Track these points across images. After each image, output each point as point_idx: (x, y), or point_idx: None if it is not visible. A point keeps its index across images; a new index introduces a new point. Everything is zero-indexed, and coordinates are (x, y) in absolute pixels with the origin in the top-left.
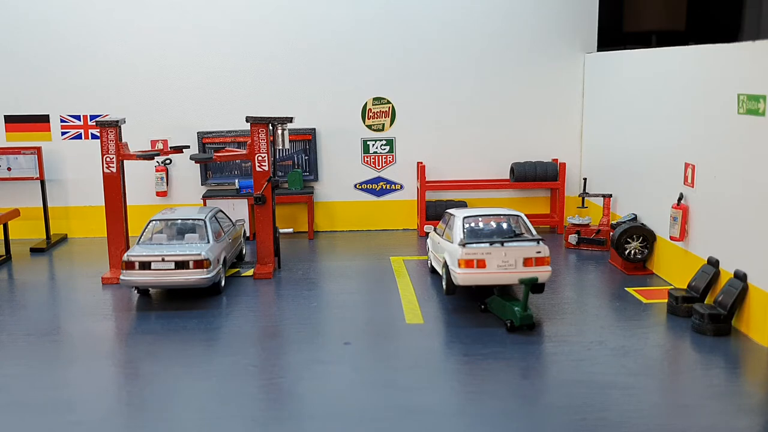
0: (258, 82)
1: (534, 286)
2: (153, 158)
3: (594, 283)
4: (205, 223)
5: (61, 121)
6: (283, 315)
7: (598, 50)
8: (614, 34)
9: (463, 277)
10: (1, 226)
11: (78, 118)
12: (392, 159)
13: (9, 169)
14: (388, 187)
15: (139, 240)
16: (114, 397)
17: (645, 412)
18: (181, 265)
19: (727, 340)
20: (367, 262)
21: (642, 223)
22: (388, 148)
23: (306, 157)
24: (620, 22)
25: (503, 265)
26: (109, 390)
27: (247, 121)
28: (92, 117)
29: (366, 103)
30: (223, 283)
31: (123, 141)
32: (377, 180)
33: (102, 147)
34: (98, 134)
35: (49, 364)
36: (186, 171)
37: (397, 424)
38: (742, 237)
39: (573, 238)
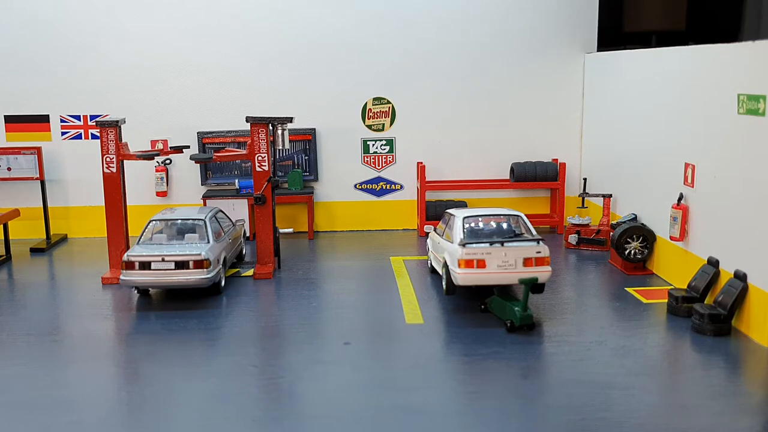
0: (258, 82)
1: (534, 286)
2: (153, 158)
3: (594, 283)
4: (205, 223)
5: (61, 121)
6: (283, 315)
7: (598, 50)
8: (614, 34)
9: (463, 277)
10: (1, 226)
11: (78, 118)
12: (392, 159)
13: (9, 169)
14: (388, 187)
15: (139, 240)
16: (114, 397)
17: (645, 412)
18: (181, 265)
19: (727, 340)
20: (367, 262)
21: (642, 223)
22: (388, 148)
23: (306, 157)
24: (620, 22)
25: (503, 265)
26: (109, 390)
27: (247, 121)
28: (92, 117)
29: (366, 103)
30: (223, 283)
31: (123, 141)
32: (377, 180)
33: (102, 147)
34: (98, 134)
35: (49, 364)
36: (186, 171)
37: (397, 424)
38: (742, 237)
39: (573, 238)
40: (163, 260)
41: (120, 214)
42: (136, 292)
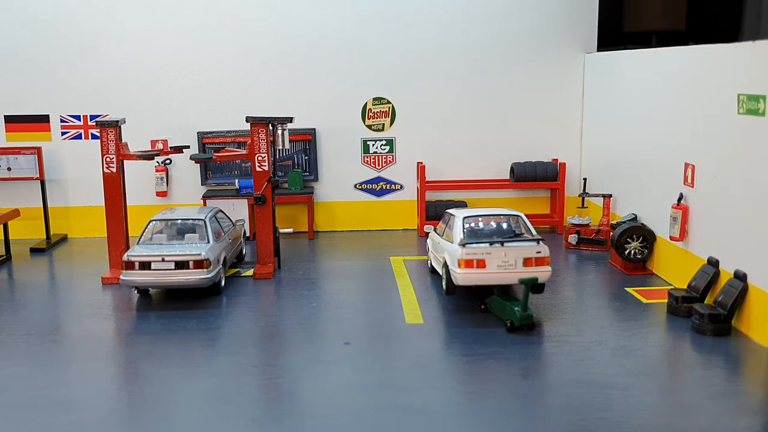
0: (258, 82)
1: (534, 286)
2: (153, 158)
3: (594, 283)
4: (205, 223)
5: (61, 121)
6: (283, 315)
7: (598, 50)
8: (614, 34)
9: (463, 277)
10: (1, 226)
11: (78, 118)
12: (392, 159)
13: (9, 169)
14: (388, 187)
15: (139, 240)
16: (114, 397)
17: (645, 412)
18: (181, 265)
19: (727, 340)
20: (367, 262)
21: (642, 223)
22: (388, 148)
23: (306, 157)
24: (620, 22)
25: (503, 265)
26: (109, 390)
27: (247, 121)
28: (92, 117)
29: (366, 103)
30: (223, 283)
31: (123, 141)
32: (377, 180)
33: (102, 147)
34: (98, 134)
35: (49, 364)
36: (186, 171)
37: (397, 424)
38: (742, 237)
39: (573, 238)
40: (163, 260)
41: (120, 214)
42: (136, 292)
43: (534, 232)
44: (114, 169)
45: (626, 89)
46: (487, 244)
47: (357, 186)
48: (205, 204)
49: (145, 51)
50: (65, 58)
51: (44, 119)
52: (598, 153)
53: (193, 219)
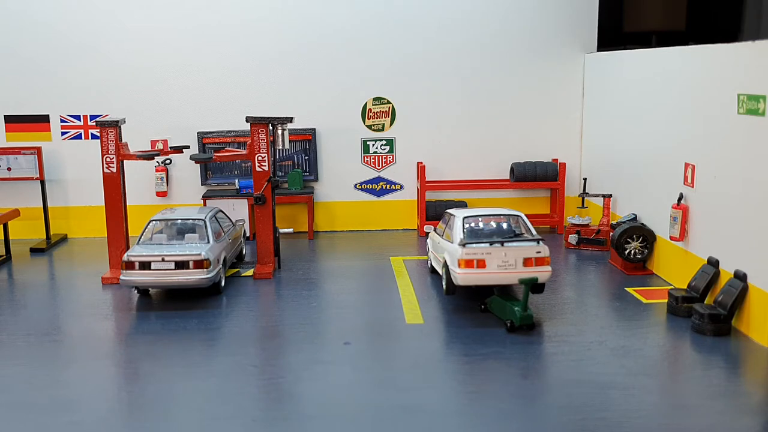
0: (258, 82)
1: (534, 286)
2: (153, 158)
3: (594, 283)
4: (205, 223)
5: (61, 121)
6: (283, 315)
7: (598, 50)
8: (614, 34)
9: (463, 277)
10: (1, 226)
11: (78, 118)
12: (392, 159)
13: (9, 169)
14: (388, 187)
15: (139, 240)
16: (114, 397)
17: (645, 412)
18: (181, 265)
19: (727, 340)
20: (367, 262)
21: (642, 223)
22: (388, 148)
23: (306, 157)
24: (620, 22)
25: (503, 265)
26: (109, 390)
27: (247, 121)
28: (92, 117)
29: (366, 103)
30: (223, 283)
31: (123, 141)
32: (377, 180)
33: (102, 147)
34: (98, 134)
35: (49, 364)
36: (186, 171)
37: (397, 424)
38: (742, 237)
39: (573, 238)
40: (163, 260)
41: (120, 214)
42: (136, 292)
43: (534, 232)
44: (114, 169)
45: (626, 89)
46: (487, 244)
47: (357, 186)
48: (205, 204)
49: (145, 51)
50: (65, 58)
51: (44, 119)
52: (598, 153)
53: (193, 219)
